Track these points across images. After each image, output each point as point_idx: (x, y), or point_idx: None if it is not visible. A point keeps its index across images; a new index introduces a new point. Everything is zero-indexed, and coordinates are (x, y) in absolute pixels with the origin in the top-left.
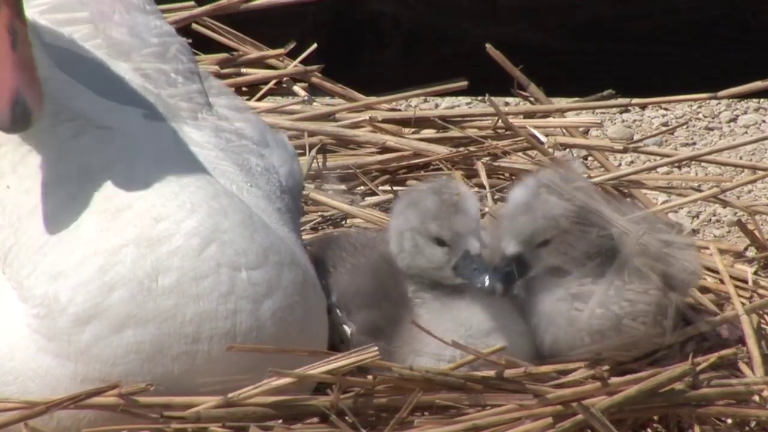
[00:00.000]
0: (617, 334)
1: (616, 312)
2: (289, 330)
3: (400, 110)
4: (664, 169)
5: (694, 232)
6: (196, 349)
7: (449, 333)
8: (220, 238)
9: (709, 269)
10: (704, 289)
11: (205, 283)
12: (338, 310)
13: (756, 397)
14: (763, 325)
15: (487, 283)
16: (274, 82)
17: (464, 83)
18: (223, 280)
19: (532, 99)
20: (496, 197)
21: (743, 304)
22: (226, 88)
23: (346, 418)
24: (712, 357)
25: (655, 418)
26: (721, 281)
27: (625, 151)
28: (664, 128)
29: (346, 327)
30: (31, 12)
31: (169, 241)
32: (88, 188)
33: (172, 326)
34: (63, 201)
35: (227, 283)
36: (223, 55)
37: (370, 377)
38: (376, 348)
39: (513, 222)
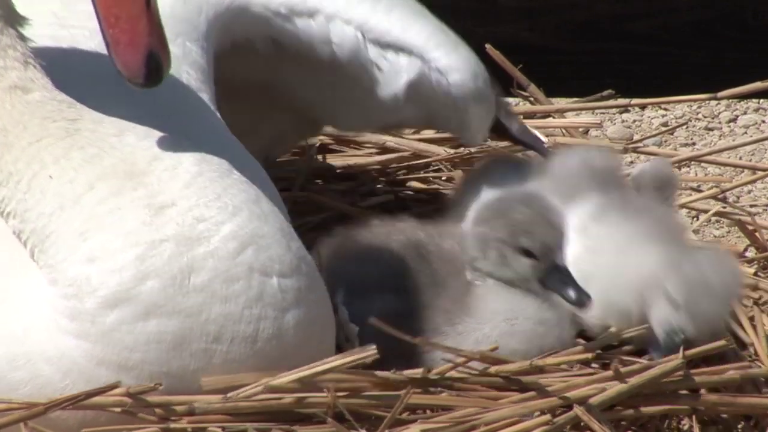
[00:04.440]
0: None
1: None
2: (309, 342)
3: None
4: None
5: (694, 232)
6: (215, 348)
7: (498, 314)
8: (258, 243)
9: None
10: None
11: (235, 287)
12: (344, 309)
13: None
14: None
15: (575, 296)
16: None
17: None
18: (253, 285)
19: (531, 99)
20: None
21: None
22: None
23: (345, 418)
24: (702, 348)
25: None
26: None
27: (624, 151)
28: (663, 128)
29: (352, 326)
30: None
31: (207, 241)
32: (133, 182)
33: (196, 322)
34: (107, 194)
35: (257, 288)
36: None
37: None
38: (374, 348)
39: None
